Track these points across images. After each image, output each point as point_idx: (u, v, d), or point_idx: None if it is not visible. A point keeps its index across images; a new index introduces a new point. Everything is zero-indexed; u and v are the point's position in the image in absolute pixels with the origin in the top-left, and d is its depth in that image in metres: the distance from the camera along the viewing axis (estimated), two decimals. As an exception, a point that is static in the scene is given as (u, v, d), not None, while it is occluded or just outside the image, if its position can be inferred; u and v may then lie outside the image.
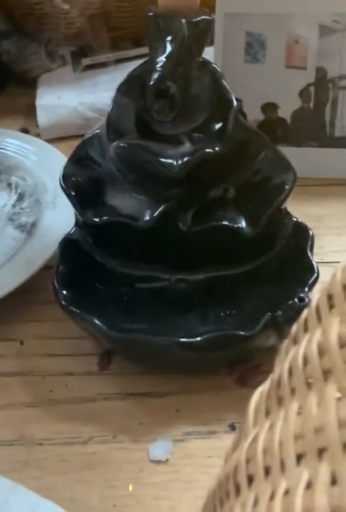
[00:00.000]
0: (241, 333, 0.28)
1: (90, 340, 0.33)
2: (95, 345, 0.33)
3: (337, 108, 0.43)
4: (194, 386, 0.31)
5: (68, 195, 0.33)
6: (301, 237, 0.33)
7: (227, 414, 0.30)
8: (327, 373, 0.19)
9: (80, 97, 0.53)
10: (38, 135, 0.51)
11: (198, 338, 0.28)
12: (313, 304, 0.21)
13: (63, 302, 0.31)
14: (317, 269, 0.31)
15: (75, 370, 0.32)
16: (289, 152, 0.41)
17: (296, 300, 0.28)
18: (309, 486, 0.17)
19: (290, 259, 0.33)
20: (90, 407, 0.31)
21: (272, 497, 0.18)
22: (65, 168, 0.34)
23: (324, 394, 0.18)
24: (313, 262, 0.31)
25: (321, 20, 0.41)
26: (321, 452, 0.17)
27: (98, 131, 0.34)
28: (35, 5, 0.63)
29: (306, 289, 0.30)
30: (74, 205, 0.33)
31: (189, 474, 0.27)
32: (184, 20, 0.29)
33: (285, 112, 0.44)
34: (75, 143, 0.50)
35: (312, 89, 0.43)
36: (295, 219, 0.34)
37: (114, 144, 0.32)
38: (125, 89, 0.32)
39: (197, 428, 0.29)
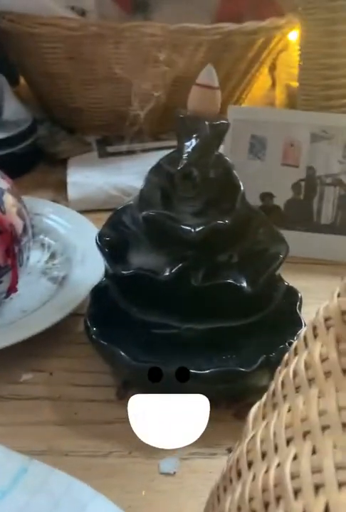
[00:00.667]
0: (242, 369, 0.34)
1: (109, 375, 0.39)
2: (114, 378, 0.39)
3: (323, 200, 0.52)
4: (198, 416, 0.36)
5: (102, 251, 0.40)
6: (291, 298, 0.40)
7: (225, 441, 0.35)
8: (311, 381, 0.25)
9: (105, 177, 0.62)
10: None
11: (207, 371, 0.34)
12: (301, 335, 0.28)
13: (93, 336, 0.37)
14: (305, 323, 0.38)
15: (96, 397, 0.38)
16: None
17: (287, 344, 0.35)
18: (295, 458, 0.23)
19: (282, 315, 0.39)
20: (109, 428, 0.36)
21: (267, 471, 0.24)
22: (102, 229, 0.41)
23: (308, 395, 0.25)
24: (301, 317, 0.38)
25: (312, 130, 0.51)
26: (305, 435, 0.23)
27: (131, 202, 0.41)
28: (68, 99, 0.73)
29: (295, 338, 0.36)
30: (106, 259, 0.40)
31: (193, 485, 0.32)
32: (207, 123, 0.38)
33: (280, 201, 0.52)
34: (99, 215, 0.59)
35: (303, 183, 0.52)
36: (286, 283, 0.41)
37: (144, 212, 0.39)
38: (155, 171, 0.40)
39: (200, 449, 0.35)
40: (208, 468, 0.33)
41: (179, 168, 0.37)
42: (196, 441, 0.35)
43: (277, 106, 0.91)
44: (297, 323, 0.38)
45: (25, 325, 0.41)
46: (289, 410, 0.25)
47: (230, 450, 0.34)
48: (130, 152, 0.68)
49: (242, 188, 0.39)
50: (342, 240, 0.51)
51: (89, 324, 0.38)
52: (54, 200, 0.61)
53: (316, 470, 0.21)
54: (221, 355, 0.38)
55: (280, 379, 0.27)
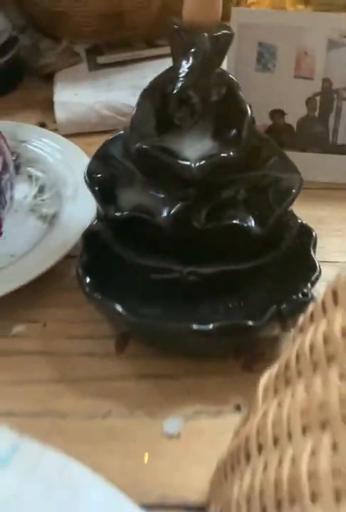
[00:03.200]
0: (249, 323, 0.31)
1: (107, 324, 0.36)
2: (112, 329, 0.36)
3: (340, 117, 0.46)
4: (203, 369, 0.34)
5: (92, 190, 0.35)
6: (305, 237, 0.36)
7: (233, 397, 0.33)
8: (330, 359, 0.22)
9: (96, 95, 0.56)
10: (55, 130, 0.54)
11: (210, 326, 0.31)
12: (319, 299, 0.24)
13: (87, 289, 0.34)
14: (319, 268, 0.34)
15: (94, 351, 0.35)
16: (294, 156, 0.44)
17: (300, 295, 0.31)
18: (313, 453, 0.20)
19: (294, 257, 0.35)
20: (109, 385, 0.33)
21: (280, 463, 0.21)
22: (90, 165, 0.36)
23: (328, 375, 0.21)
24: (316, 261, 0.34)
25: (329, 35, 0.44)
26: (324, 425, 0.20)
27: (122, 132, 0.36)
28: (52, 2, 0.65)
29: (309, 285, 0.33)
30: (97, 200, 0.35)
31: (198, 449, 0.30)
32: (206, 35, 0.32)
33: (292, 119, 0.46)
34: (91, 139, 0.53)
35: (318, 98, 0.46)
36: (299, 221, 0.36)
37: (137, 145, 0.34)
38: (148, 95, 0.35)
39: (206, 408, 0.32)
40: (214, 428, 0.31)
41: (174, 92, 0.32)
42: (201, 397, 0.33)
43: (287, 1, 0.81)
44: (312, 267, 0.34)
45: (14, 273, 0.38)
46: (305, 391, 0.22)
47: (238, 407, 0.32)
48: (123, 62, 0.61)
49: (249, 112, 0.34)
50: (361, 161, 0.46)
51: (81, 274, 0.34)
52: (42, 123, 0.56)
53: (337, 470, 0.19)
54: (227, 302, 0.35)
55: (295, 350, 0.24)
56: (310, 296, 0.31)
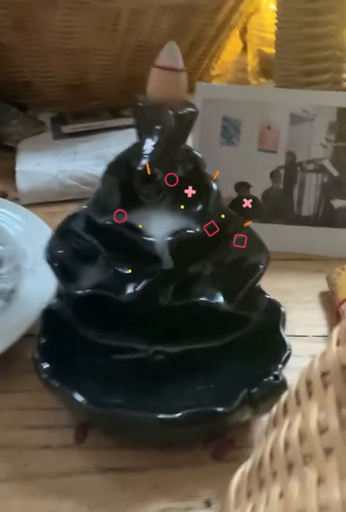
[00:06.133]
0: (219, 409, 0.29)
1: (66, 412, 0.33)
2: (72, 417, 0.33)
3: (304, 189, 0.46)
4: (170, 461, 0.31)
5: (52, 267, 0.34)
6: (273, 313, 0.35)
7: (203, 490, 0.30)
8: (307, 458, 0.20)
9: (59, 164, 0.55)
10: (16, 199, 0.52)
11: (178, 415, 0.29)
12: (292, 388, 0.23)
13: (44, 375, 0.31)
14: (290, 346, 0.33)
15: (51, 442, 0.32)
16: (259, 228, 0.43)
17: (271, 378, 0.30)
18: None
19: (263, 335, 0.34)
20: (67, 482, 0.30)
21: None
22: (50, 240, 0.35)
23: (305, 479, 0.19)
24: (285, 339, 0.33)
25: (292, 110, 0.45)
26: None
27: (85, 207, 0.35)
28: (16, 73, 0.65)
29: (279, 365, 0.31)
30: (58, 277, 0.34)
31: None
32: (171, 112, 0.31)
33: (257, 191, 0.46)
34: (54, 209, 0.52)
35: (282, 171, 0.46)
36: (268, 296, 0.36)
37: (101, 220, 0.33)
38: (113, 169, 0.34)
39: (174, 504, 0.30)
40: (183, 529, 0.29)
41: (139, 168, 0.31)
42: (169, 491, 0.30)
43: (249, 73, 0.84)
44: (282, 346, 0.33)
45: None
46: (281, 495, 0.20)
47: (208, 503, 0.30)
48: (88, 132, 0.61)
49: (214, 188, 0.33)
50: (326, 233, 0.47)
51: (37, 358, 0.32)
52: (2, 193, 0.54)
53: None
54: (195, 384, 0.33)
55: (269, 447, 0.22)
56: (281, 379, 0.30)
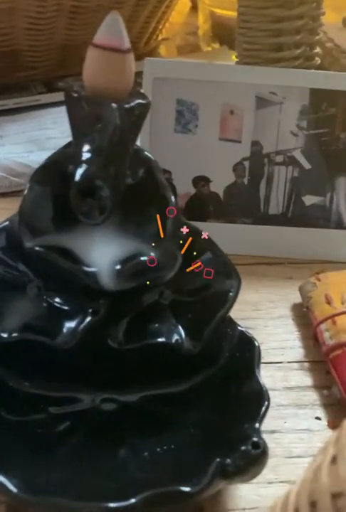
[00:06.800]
0: (185, 489, 0.23)
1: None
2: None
3: (272, 184, 0.40)
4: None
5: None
6: (246, 349, 0.29)
7: None
8: None
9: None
10: None
11: (133, 500, 0.23)
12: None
13: None
14: (268, 395, 0.27)
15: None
16: (221, 229, 0.37)
17: (249, 447, 0.24)
18: None
19: (235, 375, 0.28)
20: None
21: None
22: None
23: None
24: (262, 384, 0.27)
25: (258, 92, 0.38)
26: None
27: (7, 223, 0.28)
28: None
29: (257, 424, 0.25)
30: (-25, 318, 0.26)
31: None
32: (115, 106, 0.24)
33: (218, 187, 0.40)
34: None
35: (246, 163, 0.40)
36: (240, 328, 0.30)
37: (28, 245, 0.26)
38: (42, 177, 0.26)
39: None
40: None
41: (75, 180, 0.24)
42: None
43: (200, 37, 0.77)
44: (258, 394, 0.27)
45: None
46: None
47: None
48: (18, 109, 0.53)
49: (173, 200, 0.27)
50: (296, 233, 0.41)
51: None
52: None
53: None
54: (154, 444, 0.27)
55: None
56: (261, 447, 0.24)
